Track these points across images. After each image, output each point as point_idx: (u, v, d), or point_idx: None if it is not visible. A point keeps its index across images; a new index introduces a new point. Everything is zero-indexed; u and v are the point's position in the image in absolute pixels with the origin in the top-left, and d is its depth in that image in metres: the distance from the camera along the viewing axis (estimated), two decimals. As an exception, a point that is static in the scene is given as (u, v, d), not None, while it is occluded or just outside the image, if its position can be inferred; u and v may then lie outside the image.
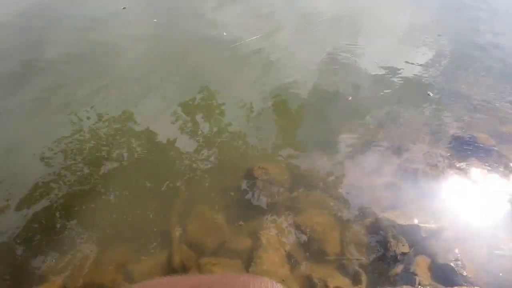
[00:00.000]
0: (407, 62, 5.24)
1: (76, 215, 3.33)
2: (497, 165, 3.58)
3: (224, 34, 5.71)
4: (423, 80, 4.85)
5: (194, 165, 3.86)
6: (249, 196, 3.49)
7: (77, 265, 3.00)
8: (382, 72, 5.07)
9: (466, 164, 3.59)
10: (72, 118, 4.24)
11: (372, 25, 6.14)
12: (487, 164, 3.58)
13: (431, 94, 4.45)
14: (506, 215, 3.12)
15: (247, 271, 2.83)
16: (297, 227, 3.17)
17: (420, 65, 5.18)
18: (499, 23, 6.39)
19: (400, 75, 4.97)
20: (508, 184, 3.38)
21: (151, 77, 4.95)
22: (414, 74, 4.99)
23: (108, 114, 4.30)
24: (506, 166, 3.57)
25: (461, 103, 4.42)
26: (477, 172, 3.50)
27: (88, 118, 4.24)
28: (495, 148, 3.77)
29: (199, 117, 4.36)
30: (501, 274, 2.65)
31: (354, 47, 5.62)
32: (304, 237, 3.10)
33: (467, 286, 2.53)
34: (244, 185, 3.61)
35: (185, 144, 4.04)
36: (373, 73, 5.04)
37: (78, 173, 3.65)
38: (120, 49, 5.44)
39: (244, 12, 6.47)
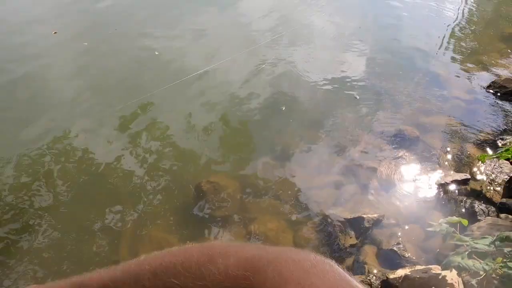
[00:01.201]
0: (334, 68, 5.60)
1: (8, 256, 3.06)
2: (422, 153, 3.97)
3: (156, 53, 5.66)
4: (348, 84, 5.18)
5: (140, 188, 3.75)
6: (200, 212, 3.48)
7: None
8: (314, 79, 5.37)
9: (397, 156, 3.92)
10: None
11: (302, 37, 6.48)
12: (414, 153, 3.94)
13: (357, 97, 4.80)
14: (434, 197, 3.46)
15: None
16: (251, 236, 3.22)
17: (346, 70, 5.53)
18: (416, 27, 7.07)
19: (328, 81, 5.29)
20: (433, 169, 3.76)
21: (85, 100, 4.73)
22: (341, 78, 5.32)
23: (40, 142, 4.02)
24: (430, 153, 3.97)
25: (386, 100, 4.83)
26: (407, 162, 3.85)
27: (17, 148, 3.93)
28: (420, 138, 4.18)
29: (140, 139, 4.25)
30: (438, 250, 2.93)
31: (287, 59, 5.89)
32: (258, 243, 3.15)
33: (409, 266, 2.75)
34: (194, 202, 3.59)
35: (128, 167, 3.91)
36: (306, 81, 5.32)
37: (8, 210, 3.36)
38: (51, 74, 5.13)
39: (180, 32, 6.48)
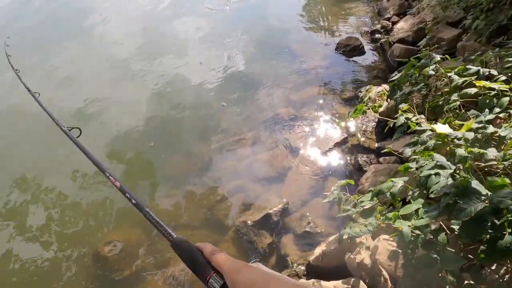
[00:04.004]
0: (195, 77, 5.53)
1: None
2: (302, 130, 4.18)
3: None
4: (213, 92, 5.13)
5: (37, 270, 3.18)
6: (107, 278, 3.08)
7: None
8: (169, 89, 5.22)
9: (280, 141, 4.05)
10: None
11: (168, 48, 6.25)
12: (295, 133, 4.13)
13: (225, 104, 4.81)
14: (325, 166, 3.68)
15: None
16: (169, 281, 2.97)
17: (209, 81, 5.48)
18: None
19: (190, 91, 5.20)
20: (315, 141, 3.99)
21: None
22: (205, 88, 5.25)
23: None
24: (309, 127, 4.20)
25: (255, 92, 4.96)
26: (291, 143, 4.00)
27: None
28: (297, 116, 4.40)
29: (19, 216, 3.60)
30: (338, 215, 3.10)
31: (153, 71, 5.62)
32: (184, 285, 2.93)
33: (324, 240, 2.85)
34: (97, 270, 3.16)
35: (18, 249, 3.29)
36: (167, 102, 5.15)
37: None
38: None
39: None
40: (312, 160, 3.75)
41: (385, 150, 2.66)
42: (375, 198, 1.96)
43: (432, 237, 1.59)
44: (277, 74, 5.25)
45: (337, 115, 4.31)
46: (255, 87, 5.02)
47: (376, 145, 3.75)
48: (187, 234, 3.33)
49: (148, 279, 3.04)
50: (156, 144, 4.32)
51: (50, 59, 6.36)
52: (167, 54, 6.08)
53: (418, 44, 4.68)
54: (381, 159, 3.51)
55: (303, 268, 2.76)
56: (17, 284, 3.19)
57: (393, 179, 1.87)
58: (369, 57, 5.43)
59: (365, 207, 2.03)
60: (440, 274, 1.50)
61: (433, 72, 2.48)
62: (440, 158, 1.69)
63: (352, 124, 4.09)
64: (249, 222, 3.12)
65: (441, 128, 1.75)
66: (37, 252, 3.42)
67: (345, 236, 1.78)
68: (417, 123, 2.12)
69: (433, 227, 1.68)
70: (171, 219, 3.50)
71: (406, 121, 2.18)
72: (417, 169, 1.76)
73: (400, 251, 1.85)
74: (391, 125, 2.20)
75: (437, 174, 1.59)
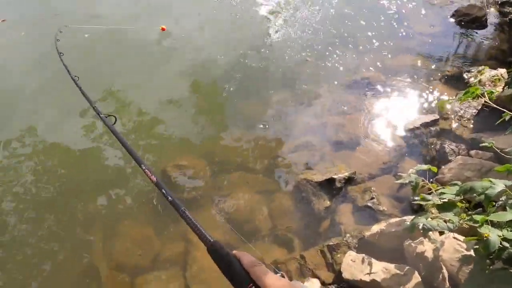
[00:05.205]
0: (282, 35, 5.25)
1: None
2: (389, 99, 3.84)
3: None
4: (299, 46, 4.86)
5: (106, 180, 3.58)
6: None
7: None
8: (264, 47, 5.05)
9: (362, 106, 3.79)
10: None
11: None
12: (380, 101, 3.82)
13: (309, 59, 4.55)
14: (405, 143, 3.38)
15: (185, 277, 2.74)
16: (226, 213, 3.12)
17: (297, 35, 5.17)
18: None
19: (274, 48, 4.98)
20: (401, 114, 3.65)
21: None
22: (289, 43, 4.99)
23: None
24: (396, 98, 3.84)
25: (345, 51, 4.60)
26: (373, 111, 3.72)
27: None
28: (386, 83, 4.04)
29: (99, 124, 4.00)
30: (412, 199, 2.88)
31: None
32: (234, 222, 3.06)
33: (384, 220, 2.71)
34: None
35: (92, 159, 3.71)
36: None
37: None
38: None
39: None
40: (390, 135, 3.48)
41: (484, 144, 2.33)
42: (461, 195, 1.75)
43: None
44: (374, 35, 4.78)
45: (433, 92, 3.85)
46: (345, 46, 4.66)
47: (472, 135, 3.32)
48: (245, 176, 3.40)
49: (206, 209, 3.22)
50: (234, 87, 4.34)
51: None
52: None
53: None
54: (472, 151, 3.12)
55: (355, 240, 2.69)
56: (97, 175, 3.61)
57: (491, 179, 1.63)
58: (490, 32, 4.64)
59: (444, 200, 1.83)
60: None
61: None
62: None
63: (448, 106, 3.64)
64: (311, 181, 3.07)
65: None
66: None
67: (420, 226, 1.64)
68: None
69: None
70: (234, 156, 3.57)
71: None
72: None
73: (474, 256, 1.66)
74: (507, 118, 1.87)
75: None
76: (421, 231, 1.61)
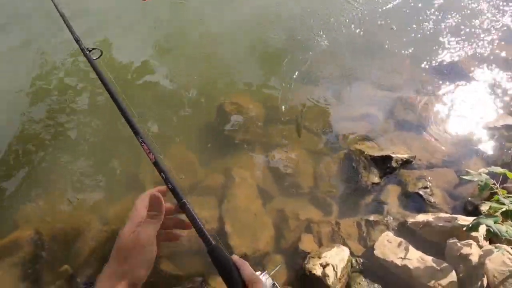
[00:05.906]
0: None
1: (46, 163, 3.25)
2: (475, 90, 3.48)
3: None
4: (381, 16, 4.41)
5: (164, 103, 3.68)
6: (221, 133, 3.38)
7: (50, 211, 2.99)
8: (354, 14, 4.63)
9: (444, 91, 3.47)
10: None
11: None
12: (464, 90, 3.46)
13: (394, 28, 4.14)
14: (478, 141, 3.09)
15: (220, 208, 2.84)
16: (270, 162, 3.12)
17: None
18: None
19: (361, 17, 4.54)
20: (483, 110, 3.30)
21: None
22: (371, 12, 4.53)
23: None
24: (483, 92, 3.46)
25: (441, 29, 4.13)
26: (454, 98, 3.40)
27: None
28: (475, 71, 3.63)
29: (170, 54, 4.06)
30: (469, 199, 2.68)
31: None
32: (277, 172, 3.07)
33: (432, 212, 2.58)
34: (216, 122, 3.48)
35: (152, 84, 3.82)
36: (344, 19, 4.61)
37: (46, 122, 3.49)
38: None
39: None
40: (463, 128, 3.18)
41: None
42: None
43: None
44: (486, 17, 4.20)
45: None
46: (440, 23, 4.18)
47: (558, 151, 2.96)
48: (301, 136, 3.31)
49: (252, 152, 3.23)
50: (309, 48, 4.11)
51: None
52: None
53: None
54: (553, 169, 2.79)
55: (395, 223, 2.60)
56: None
57: None
58: None
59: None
60: None
61: None
62: None
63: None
64: (365, 153, 2.94)
65: None
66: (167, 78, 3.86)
67: (483, 228, 1.52)
68: None
69: None
70: (290, 108, 3.48)
71: None
72: None
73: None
74: None
75: None
76: (485, 232, 1.49)
